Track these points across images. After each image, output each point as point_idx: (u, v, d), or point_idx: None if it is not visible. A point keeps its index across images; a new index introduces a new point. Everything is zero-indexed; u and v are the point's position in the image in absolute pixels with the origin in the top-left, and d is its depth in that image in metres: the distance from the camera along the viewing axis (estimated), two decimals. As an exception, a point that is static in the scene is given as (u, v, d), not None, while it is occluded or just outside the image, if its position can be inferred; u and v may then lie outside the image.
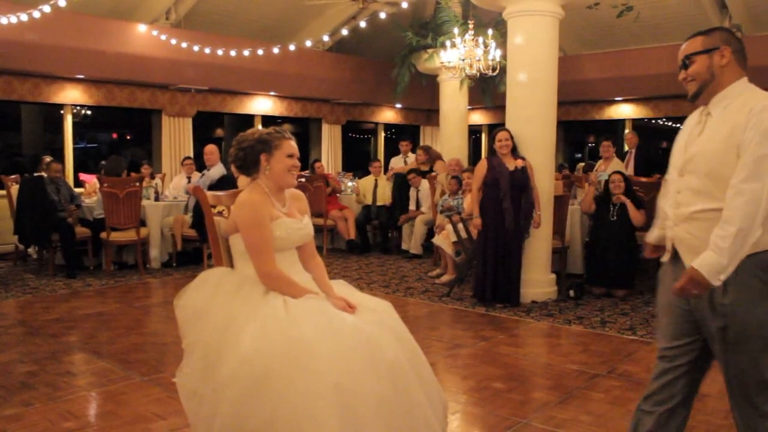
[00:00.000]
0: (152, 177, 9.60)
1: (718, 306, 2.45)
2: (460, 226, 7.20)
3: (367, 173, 10.71)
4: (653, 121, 13.97)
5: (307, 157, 12.75)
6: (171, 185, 9.51)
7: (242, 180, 8.20)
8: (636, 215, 6.63)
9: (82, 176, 10.15)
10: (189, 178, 9.15)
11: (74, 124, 10.55)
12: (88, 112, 11.82)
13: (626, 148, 9.84)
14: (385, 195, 10.18)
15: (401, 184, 9.81)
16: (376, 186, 10.29)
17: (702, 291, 2.33)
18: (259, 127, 9.71)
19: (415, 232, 9.32)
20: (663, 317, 2.67)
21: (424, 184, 9.33)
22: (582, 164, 11.46)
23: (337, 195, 10.13)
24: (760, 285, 2.37)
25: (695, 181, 2.46)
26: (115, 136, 15.18)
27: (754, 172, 2.24)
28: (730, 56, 2.47)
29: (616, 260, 6.65)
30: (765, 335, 2.39)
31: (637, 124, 13.37)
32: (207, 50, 10.29)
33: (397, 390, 2.56)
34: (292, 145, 2.91)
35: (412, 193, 9.62)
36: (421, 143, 15.59)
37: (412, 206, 9.60)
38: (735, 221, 2.24)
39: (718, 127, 2.41)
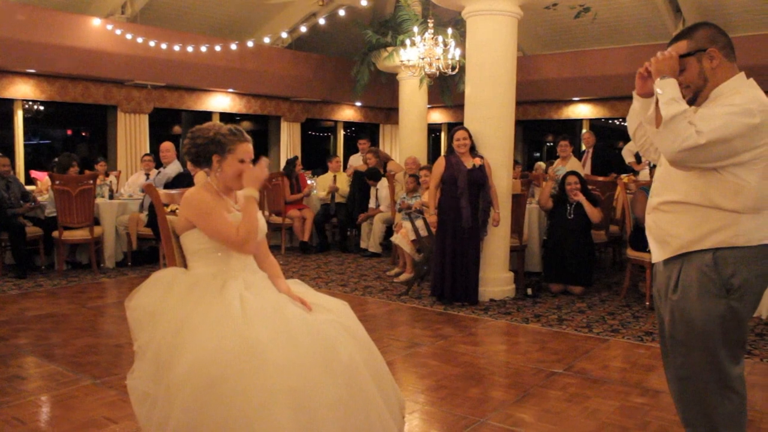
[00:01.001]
0: (107, 174, 9.40)
1: (669, 302, 2.48)
2: (420, 223, 7.21)
3: (326, 172, 10.64)
4: (610, 121, 14.17)
5: (265, 153, 12.64)
6: (128, 182, 9.33)
7: (199, 177, 8.11)
8: (593, 212, 6.71)
9: (34, 173, 9.90)
10: (147, 175, 8.98)
11: (25, 119, 10.28)
12: (41, 108, 11.52)
13: (583, 147, 9.95)
14: (343, 191, 10.12)
15: (360, 183, 9.77)
16: (334, 183, 10.18)
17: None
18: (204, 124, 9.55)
19: (373, 231, 9.30)
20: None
21: (383, 182, 9.31)
22: (542, 164, 11.58)
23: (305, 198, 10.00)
24: (705, 281, 2.39)
25: (663, 173, 2.51)
26: (69, 132, 14.84)
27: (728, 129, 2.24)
28: (720, 55, 2.43)
29: (573, 258, 6.72)
30: (710, 331, 2.41)
31: (595, 123, 13.57)
32: (163, 46, 10.13)
33: (353, 391, 2.54)
34: (246, 149, 2.84)
35: (372, 191, 9.59)
36: (381, 142, 15.61)
37: (371, 204, 9.57)
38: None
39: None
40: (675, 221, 2.45)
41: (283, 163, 11.94)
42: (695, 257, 2.40)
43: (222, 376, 2.39)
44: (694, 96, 2.47)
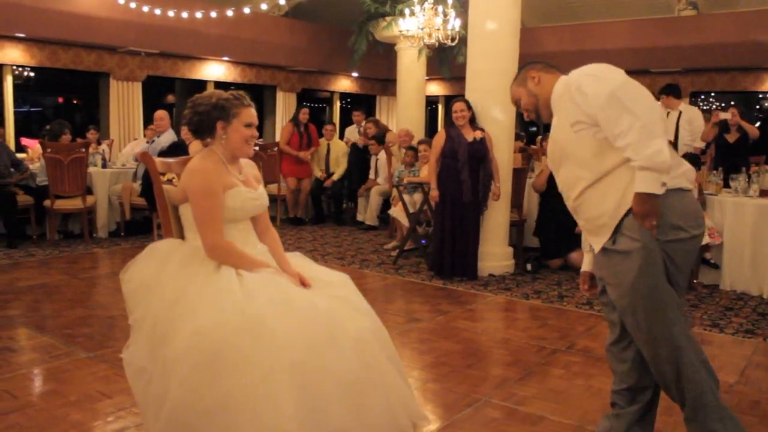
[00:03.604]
0: (99, 143, 9.23)
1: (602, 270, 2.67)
2: (417, 197, 7.13)
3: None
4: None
5: (260, 124, 12.48)
6: (125, 150, 9.15)
7: (194, 146, 7.97)
8: None
9: (24, 141, 9.72)
10: (152, 142, 8.79)
11: (15, 86, 10.06)
12: (31, 74, 11.30)
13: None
14: (338, 161, 9.85)
15: (357, 155, 9.63)
16: (328, 152, 9.94)
17: (655, 208, 2.38)
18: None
19: (370, 204, 9.19)
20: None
21: (382, 153, 9.19)
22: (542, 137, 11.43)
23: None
24: (630, 244, 2.46)
25: (564, 172, 2.66)
26: (60, 100, 14.61)
27: (621, 112, 2.36)
28: (537, 71, 2.73)
29: (570, 228, 6.55)
30: (643, 293, 2.48)
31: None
32: (157, 11, 9.91)
33: (366, 365, 2.47)
34: (251, 113, 2.74)
35: (372, 161, 9.45)
36: (377, 113, 15.43)
37: (371, 175, 9.44)
38: (641, 150, 2.33)
39: (557, 121, 2.65)
40: (595, 202, 2.55)
41: (278, 134, 11.78)
42: (621, 222, 2.48)
43: (221, 351, 2.31)
44: (537, 114, 2.74)
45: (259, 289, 2.49)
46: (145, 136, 9.11)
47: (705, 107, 13.03)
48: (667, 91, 7.78)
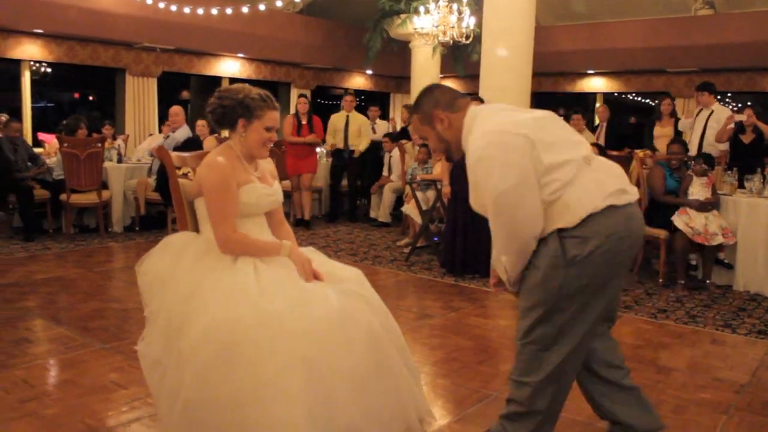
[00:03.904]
0: (114, 138, 9.31)
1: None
2: (431, 194, 7.15)
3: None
4: (623, 96, 13.99)
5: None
6: (142, 146, 9.23)
7: (208, 142, 8.02)
8: None
9: (41, 136, 9.81)
10: (167, 137, 8.86)
11: (33, 81, 10.16)
12: (48, 70, 11.41)
13: (597, 121, 9.81)
14: (359, 132, 9.36)
15: (372, 152, 9.64)
16: (347, 124, 9.39)
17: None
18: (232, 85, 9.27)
19: (383, 200, 9.21)
20: None
21: (395, 150, 9.21)
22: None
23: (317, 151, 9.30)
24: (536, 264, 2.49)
25: (475, 198, 2.57)
26: (77, 96, 14.73)
27: (495, 215, 2.41)
28: (445, 114, 2.55)
29: None
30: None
31: (608, 98, 13.38)
32: (173, 8, 9.96)
33: (376, 361, 2.49)
34: (275, 116, 2.75)
35: (386, 158, 9.47)
36: (391, 111, 15.45)
37: (385, 172, 9.46)
38: (508, 253, 2.44)
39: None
40: None
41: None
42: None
43: (234, 344, 2.34)
44: (447, 153, 2.67)
45: (272, 285, 2.51)
46: (161, 131, 9.16)
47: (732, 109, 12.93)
48: (705, 88, 7.74)
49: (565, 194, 2.38)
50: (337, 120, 9.47)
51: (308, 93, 13.51)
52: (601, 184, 2.42)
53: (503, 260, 2.46)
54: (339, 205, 9.89)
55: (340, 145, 9.39)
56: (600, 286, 2.44)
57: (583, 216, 2.36)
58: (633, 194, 2.49)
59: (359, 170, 9.56)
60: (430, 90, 2.64)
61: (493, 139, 2.38)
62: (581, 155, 2.45)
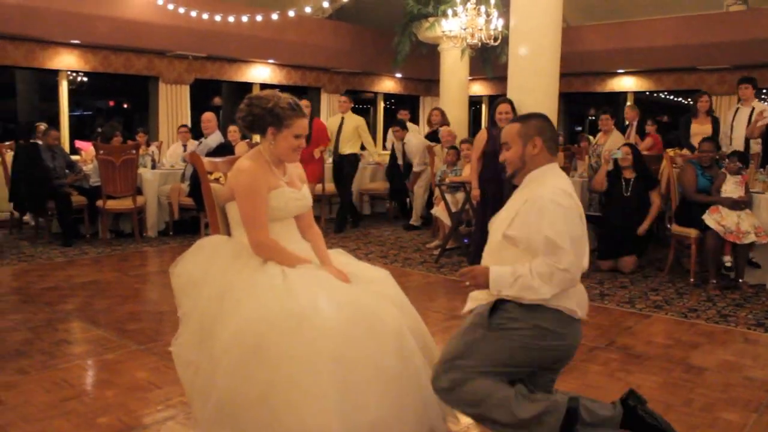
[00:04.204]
0: (147, 145, 9.50)
1: None
2: (459, 196, 7.18)
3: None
4: (654, 94, 13.83)
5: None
6: (167, 153, 9.42)
7: (240, 147, 8.12)
8: (657, 204, 6.67)
9: (78, 143, 10.05)
10: (185, 146, 9.06)
11: (69, 90, 10.41)
12: (84, 79, 11.67)
13: (627, 121, 9.73)
14: (351, 136, 8.90)
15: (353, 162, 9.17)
16: (341, 125, 8.95)
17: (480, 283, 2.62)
18: (262, 92, 9.28)
19: (415, 205, 9.25)
20: None
21: (409, 136, 9.16)
22: (589, 137, 11.36)
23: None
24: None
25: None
26: (111, 103, 15.04)
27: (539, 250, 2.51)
28: (542, 144, 2.70)
29: (627, 234, 6.54)
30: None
31: (639, 97, 13.26)
32: (205, 16, 10.13)
33: (404, 361, 2.54)
34: (303, 124, 2.81)
35: (398, 146, 9.46)
36: (421, 113, 15.47)
37: (399, 161, 9.50)
38: (533, 282, 2.51)
39: (517, 200, 2.73)
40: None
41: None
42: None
43: (263, 345, 2.42)
44: (513, 174, 2.79)
45: (302, 285, 2.58)
46: (180, 139, 9.32)
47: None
48: (749, 81, 7.64)
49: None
50: (331, 123, 9.28)
51: (338, 97, 13.57)
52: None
53: (529, 282, 2.51)
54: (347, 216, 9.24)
55: (331, 147, 9.08)
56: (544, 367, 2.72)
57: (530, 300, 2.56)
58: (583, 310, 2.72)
59: (337, 175, 9.10)
60: (545, 119, 2.80)
61: (564, 198, 2.58)
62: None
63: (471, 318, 2.67)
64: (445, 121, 9.75)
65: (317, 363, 2.38)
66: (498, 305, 2.59)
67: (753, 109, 7.50)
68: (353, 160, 9.06)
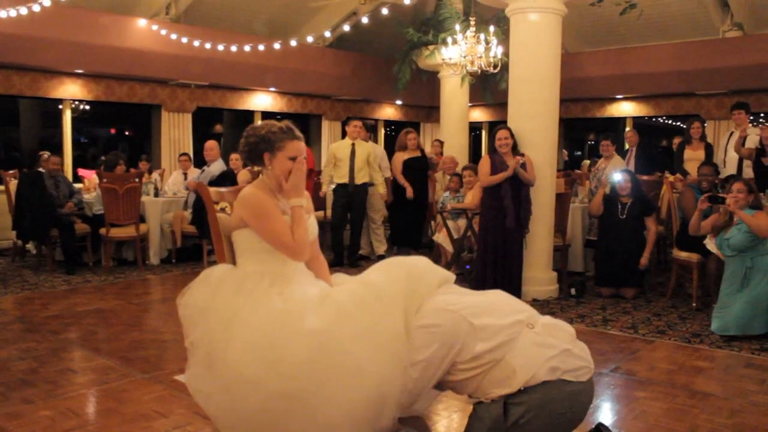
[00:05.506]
0: (150, 173, 9.56)
1: None
2: (462, 222, 7.21)
3: None
4: (653, 120, 13.93)
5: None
6: (169, 182, 9.48)
7: (242, 175, 8.16)
8: (654, 231, 6.68)
9: (81, 171, 10.11)
10: (185, 174, 9.12)
11: (73, 119, 10.50)
12: (87, 107, 11.77)
13: (627, 146, 9.79)
14: (364, 165, 8.17)
15: (415, 177, 8.81)
16: (353, 153, 8.24)
17: None
18: (259, 123, 9.34)
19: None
20: None
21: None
22: (587, 161, 11.44)
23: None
24: None
25: None
26: (113, 131, 15.12)
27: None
28: None
29: (625, 260, 6.53)
30: None
31: (638, 122, 13.35)
32: (207, 45, 10.25)
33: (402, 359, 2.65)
34: (296, 146, 2.82)
35: (430, 184, 9.46)
36: (422, 140, 15.54)
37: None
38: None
39: None
40: None
41: (323, 162, 11.96)
42: None
43: (278, 358, 2.49)
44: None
45: (309, 307, 2.64)
46: (181, 168, 9.40)
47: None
48: (741, 107, 7.73)
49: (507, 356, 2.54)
50: (338, 150, 8.32)
51: (339, 124, 13.68)
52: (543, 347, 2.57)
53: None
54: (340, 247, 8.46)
55: (344, 179, 8.18)
56: None
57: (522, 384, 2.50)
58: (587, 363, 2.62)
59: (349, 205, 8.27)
60: None
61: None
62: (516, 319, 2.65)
63: None
64: (441, 151, 9.95)
65: (339, 372, 2.50)
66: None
67: (747, 136, 7.57)
68: (366, 189, 8.41)
